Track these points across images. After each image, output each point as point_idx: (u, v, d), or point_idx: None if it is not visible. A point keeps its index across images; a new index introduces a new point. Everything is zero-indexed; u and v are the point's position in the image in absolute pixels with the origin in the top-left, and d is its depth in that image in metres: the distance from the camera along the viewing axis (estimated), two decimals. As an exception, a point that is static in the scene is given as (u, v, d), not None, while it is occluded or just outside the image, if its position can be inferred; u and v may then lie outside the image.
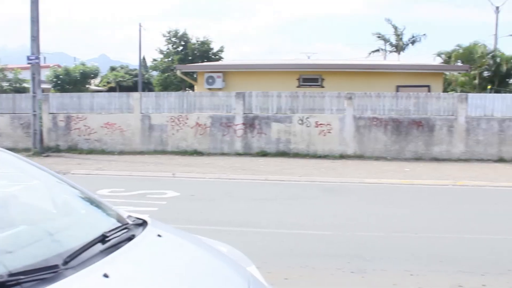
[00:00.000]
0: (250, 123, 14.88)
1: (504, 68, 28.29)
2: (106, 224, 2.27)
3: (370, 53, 44.57)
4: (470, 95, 14.54)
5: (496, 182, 10.45)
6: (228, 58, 49.71)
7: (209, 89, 17.91)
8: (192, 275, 2.12)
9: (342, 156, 13.84)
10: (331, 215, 7.52)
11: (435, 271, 5.16)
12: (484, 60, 28.71)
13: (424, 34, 48.34)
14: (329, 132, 14.24)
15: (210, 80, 18.15)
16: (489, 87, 26.71)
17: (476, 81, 28.91)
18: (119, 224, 2.29)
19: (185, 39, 39.08)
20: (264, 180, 10.72)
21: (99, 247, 1.93)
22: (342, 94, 14.49)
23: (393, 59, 38.77)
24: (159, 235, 2.31)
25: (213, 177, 11.09)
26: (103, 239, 1.99)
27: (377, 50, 44.83)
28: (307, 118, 14.44)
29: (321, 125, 14.29)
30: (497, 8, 42.41)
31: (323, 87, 18.22)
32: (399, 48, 44.31)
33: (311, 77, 18.65)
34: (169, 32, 39.16)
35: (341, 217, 7.44)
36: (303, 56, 49.09)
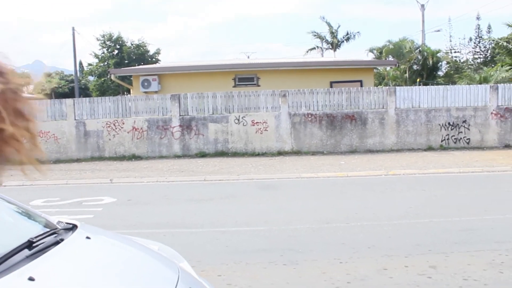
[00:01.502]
0: (187, 125, 14.82)
1: (430, 61, 29.72)
2: (34, 230, 2.25)
3: (307, 51, 45.50)
4: (398, 88, 15.18)
5: (425, 169, 10.98)
6: (167, 61, 49.17)
7: (145, 92, 17.65)
8: (121, 271, 2.15)
9: (280, 153, 14.06)
10: (266, 211, 7.65)
11: (363, 257, 5.38)
12: (412, 54, 30.03)
13: (358, 32, 49.89)
14: (265, 130, 14.42)
15: (146, 84, 17.89)
16: (418, 80, 27.96)
17: (407, 75, 30.19)
18: (47, 230, 2.27)
19: (120, 42, 38.29)
20: (202, 181, 10.72)
21: (26, 252, 1.91)
22: (276, 92, 14.71)
23: (329, 56, 39.72)
24: (87, 237, 2.31)
25: (151, 180, 10.97)
26: (29, 244, 1.97)
27: (314, 48, 45.82)
28: (243, 117, 14.56)
29: (258, 124, 14.45)
30: (422, 6, 44.44)
31: (259, 86, 18.41)
32: (334, 45, 45.47)
33: (246, 77, 18.79)
34: (103, 36, 38.24)
35: (277, 212, 7.58)
36: (242, 56, 49.30)
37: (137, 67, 28.40)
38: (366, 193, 8.96)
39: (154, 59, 38.56)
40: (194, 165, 12.97)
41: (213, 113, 14.85)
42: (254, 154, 14.09)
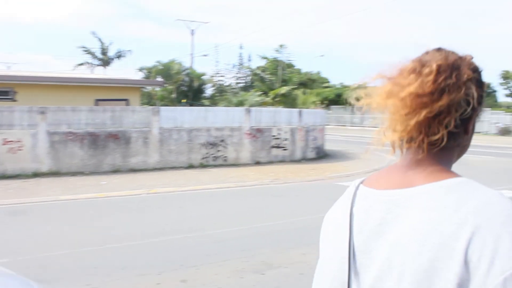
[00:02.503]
0: None
1: (196, 84, 31.50)
2: None
3: (75, 66, 43.43)
4: (162, 108, 15.57)
5: (185, 186, 11.45)
6: None
7: None
8: None
9: (36, 174, 12.91)
10: (13, 240, 6.91)
11: (116, 280, 5.29)
12: (179, 76, 31.36)
13: (129, 50, 49.75)
14: (20, 150, 13.10)
15: None
16: (184, 100, 29.26)
17: (174, 95, 31.31)
18: None
19: None
20: None
21: None
22: (34, 108, 13.54)
23: (99, 73, 38.61)
24: None
25: None
26: None
27: (83, 64, 44.04)
28: (-6, 135, 12.97)
29: (10, 142, 13.04)
30: (192, 30, 46.90)
31: (15, 101, 16.74)
32: (105, 62, 44.42)
33: (0, 90, 16.90)
34: None
35: (23, 241, 6.92)
36: (2, 66, 44.15)
37: None
38: (125, 213, 8.89)
39: None
40: None
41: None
42: (5, 177, 12.63)
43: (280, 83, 21.13)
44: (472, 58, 1.05)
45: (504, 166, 18.13)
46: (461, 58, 1.03)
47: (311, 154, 18.16)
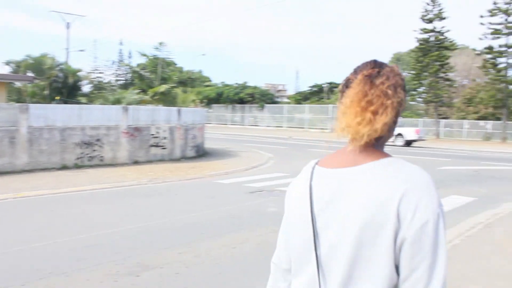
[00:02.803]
0: None
1: (71, 80, 29.80)
2: None
3: None
4: (32, 105, 14.55)
5: (57, 189, 10.85)
6: None
7: None
8: None
9: None
10: None
11: (-28, 293, 4.89)
12: (52, 71, 29.43)
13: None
14: None
15: None
16: (57, 98, 27.54)
17: (47, 92, 29.31)
18: None
19: None
20: None
21: None
22: None
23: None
24: None
25: None
26: None
27: None
28: None
29: None
30: (68, 23, 44.27)
31: None
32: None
33: None
34: None
35: None
36: None
37: None
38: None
39: None
40: None
41: None
42: None
43: (159, 81, 20.78)
44: (398, 67, 1.40)
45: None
46: (392, 69, 1.38)
47: (190, 152, 18.22)
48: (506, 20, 43.55)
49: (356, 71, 1.41)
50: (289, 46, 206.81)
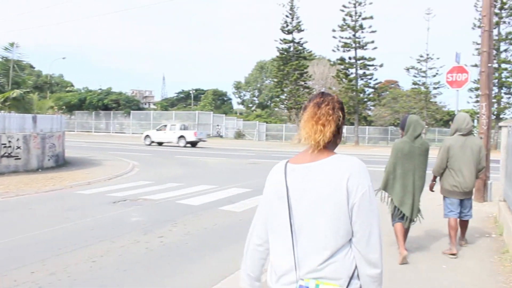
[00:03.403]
0: None
1: None
2: None
3: None
4: None
5: None
6: None
7: None
8: None
9: None
10: None
11: None
12: None
13: None
14: None
15: None
16: None
17: None
18: None
19: None
20: None
21: None
22: None
23: None
24: None
25: None
26: None
27: None
28: None
29: None
30: None
31: None
32: None
33: None
34: None
35: None
36: None
37: None
38: None
39: None
40: None
41: None
42: None
43: (11, 86, 19.17)
44: (337, 96, 2.10)
45: (234, 168, 20.32)
46: (333, 97, 2.06)
47: (49, 162, 17.14)
48: (354, 35, 48.06)
49: (310, 100, 2.09)
50: (155, 52, 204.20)
